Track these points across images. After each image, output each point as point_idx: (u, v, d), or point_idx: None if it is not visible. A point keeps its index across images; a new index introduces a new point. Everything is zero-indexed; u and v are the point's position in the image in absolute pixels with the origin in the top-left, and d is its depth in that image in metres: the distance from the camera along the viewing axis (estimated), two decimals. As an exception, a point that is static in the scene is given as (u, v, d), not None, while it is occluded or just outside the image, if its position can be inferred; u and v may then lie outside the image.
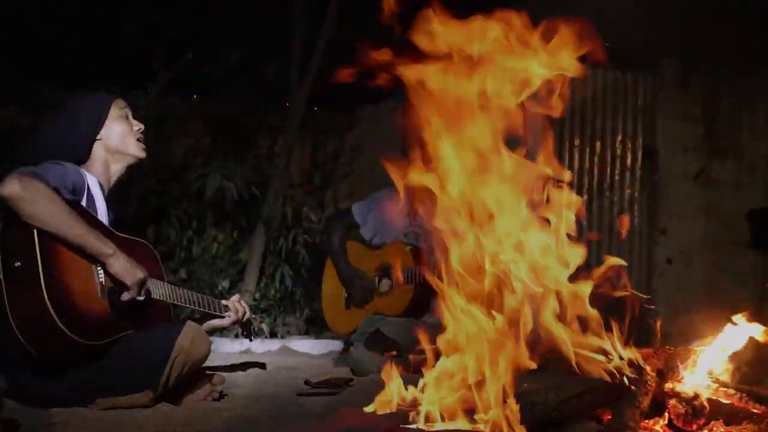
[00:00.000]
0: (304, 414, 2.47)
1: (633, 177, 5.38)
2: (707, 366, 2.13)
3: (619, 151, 5.37)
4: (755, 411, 2.01)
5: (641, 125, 5.39)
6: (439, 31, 2.09)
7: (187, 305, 2.79)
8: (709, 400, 2.02)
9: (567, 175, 2.16)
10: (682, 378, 2.11)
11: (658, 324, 2.25)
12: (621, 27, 4.75)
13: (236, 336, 4.31)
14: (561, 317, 2.03)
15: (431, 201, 2.12)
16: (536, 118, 2.13)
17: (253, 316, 3.24)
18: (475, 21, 2.10)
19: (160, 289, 2.66)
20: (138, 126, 2.81)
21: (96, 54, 5.14)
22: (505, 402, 1.79)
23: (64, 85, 4.70)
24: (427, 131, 2.08)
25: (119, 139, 2.75)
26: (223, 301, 2.96)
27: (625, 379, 1.99)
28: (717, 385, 2.08)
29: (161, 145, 5.08)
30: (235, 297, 3.04)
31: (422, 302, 3.70)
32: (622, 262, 2.15)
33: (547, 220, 2.11)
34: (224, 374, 2.79)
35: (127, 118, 2.78)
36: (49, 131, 2.73)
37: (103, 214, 2.66)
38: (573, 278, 2.08)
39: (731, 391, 2.06)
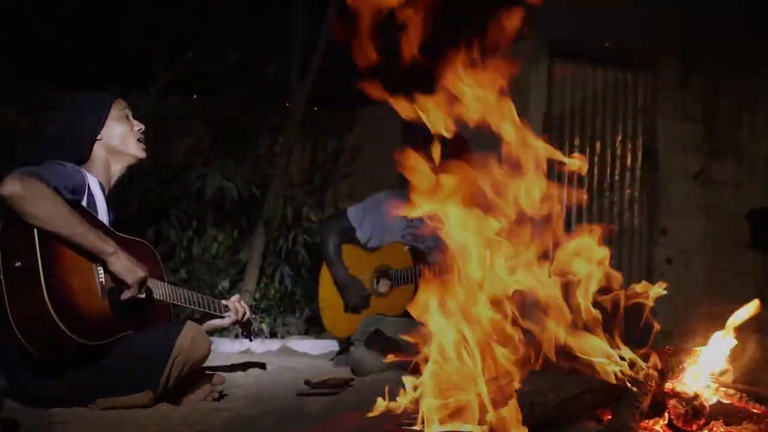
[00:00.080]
0: (304, 414, 2.47)
1: (633, 177, 5.37)
2: (707, 366, 2.13)
3: (619, 151, 5.36)
4: (755, 411, 2.01)
5: (641, 125, 5.37)
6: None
7: (187, 305, 2.80)
8: (709, 400, 2.02)
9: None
10: (682, 378, 2.11)
11: (658, 324, 2.25)
12: (621, 27, 4.77)
13: (236, 336, 4.30)
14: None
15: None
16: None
17: (253, 316, 3.24)
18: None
19: (160, 289, 2.66)
20: (138, 126, 2.81)
21: (96, 54, 5.13)
22: (504, 402, 1.78)
23: (64, 85, 4.70)
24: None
25: (120, 139, 2.75)
26: (223, 301, 2.97)
27: (625, 379, 1.99)
28: (717, 385, 2.08)
29: (161, 145, 5.06)
30: (235, 297, 3.04)
31: (422, 302, 3.69)
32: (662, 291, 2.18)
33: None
34: (224, 374, 2.79)
35: (127, 118, 2.79)
36: (50, 131, 2.73)
37: (103, 214, 2.66)
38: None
39: (731, 391, 2.06)
